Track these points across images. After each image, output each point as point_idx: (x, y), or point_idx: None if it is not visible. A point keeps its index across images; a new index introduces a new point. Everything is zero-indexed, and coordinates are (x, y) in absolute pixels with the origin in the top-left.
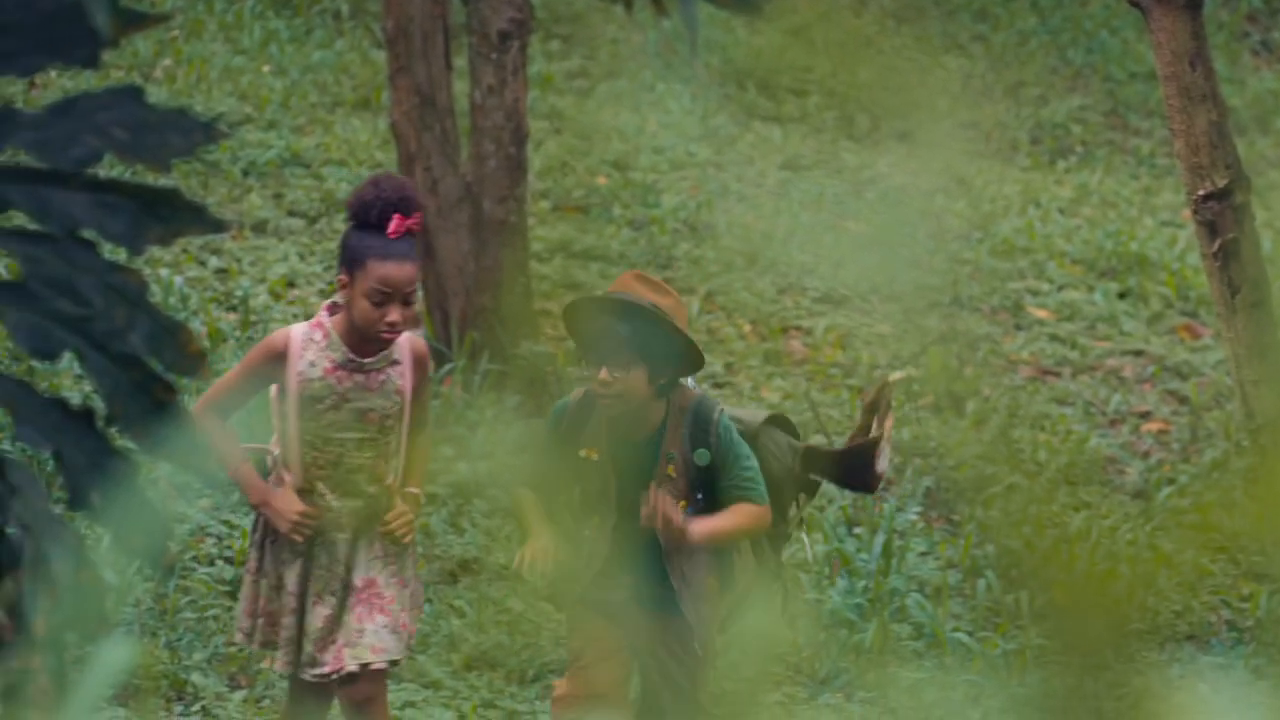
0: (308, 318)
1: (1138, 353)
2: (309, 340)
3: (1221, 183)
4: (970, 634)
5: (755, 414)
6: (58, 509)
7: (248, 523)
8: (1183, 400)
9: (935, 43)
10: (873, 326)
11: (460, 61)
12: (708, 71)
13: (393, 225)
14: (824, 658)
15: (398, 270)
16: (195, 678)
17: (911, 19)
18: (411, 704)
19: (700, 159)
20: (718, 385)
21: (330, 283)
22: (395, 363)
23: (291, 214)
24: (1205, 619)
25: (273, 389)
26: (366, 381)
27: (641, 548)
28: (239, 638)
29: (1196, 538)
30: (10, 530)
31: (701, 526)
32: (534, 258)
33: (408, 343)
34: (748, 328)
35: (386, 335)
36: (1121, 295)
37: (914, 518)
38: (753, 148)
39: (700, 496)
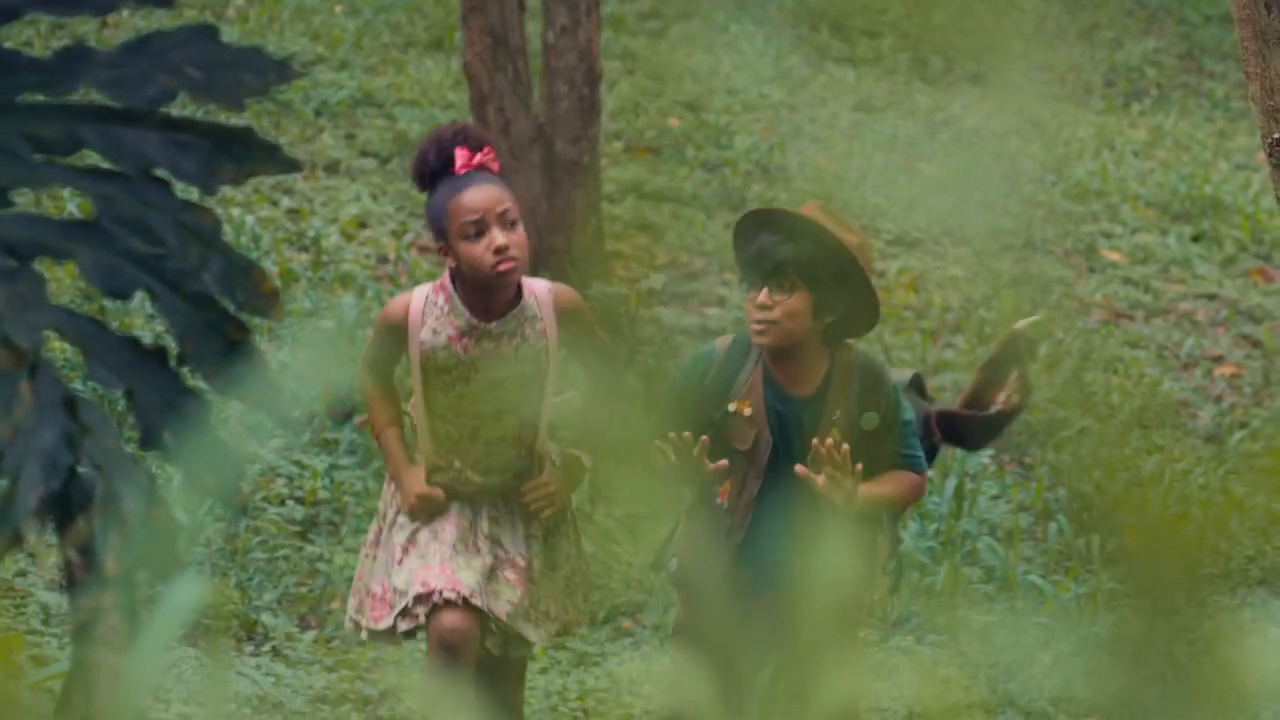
0: (380, 259)
1: (1211, 296)
2: (430, 305)
3: None
4: (1042, 577)
5: (900, 372)
6: (129, 448)
7: (319, 463)
8: (1256, 344)
9: None
10: (946, 269)
11: (534, 2)
12: (781, 12)
13: (459, 160)
14: (896, 601)
15: (475, 194)
16: (265, 618)
17: None
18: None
19: (773, 100)
20: None
21: (402, 223)
22: (533, 319)
23: (364, 154)
24: (1278, 563)
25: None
26: (498, 347)
27: (786, 517)
28: (347, 625)
29: (1269, 482)
30: (82, 469)
31: (866, 490)
32: (606, 199)
33: (548, 294)
34: None
35: (502, 267)
36: (1195, 239)
37: (986, 461)
38: (826, 89)
39: (858, 466)
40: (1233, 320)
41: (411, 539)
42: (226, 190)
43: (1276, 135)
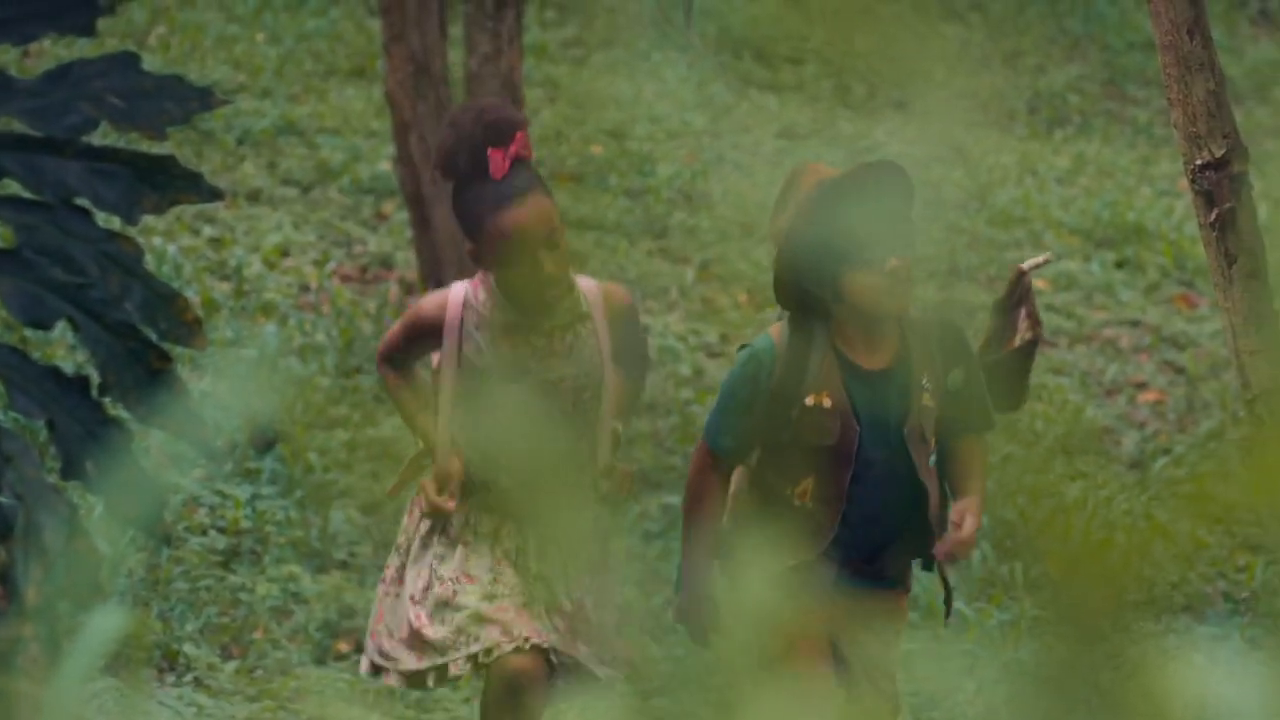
0: (303, 288)
1: (1134, 323)
2: (470, 303)
3: (1219, 152)
4: (965, 604)
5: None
6: (51, 478)
7: (241, 492)
8: (1179, 370)
9: (932, 11)
10: None
11: (456, 30)
12: (703, 40)
13: (492, 166)
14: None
15: (522, 213)
16: (187, 648)
17: None
18: None
19: (696, 128)
20: (712, 355)
21: (324, 251)
22: (584, 318)
23: (285, 183)
24: (1201, 590)
25: (433, 357)
26: (550, 345)
27: (881, 509)
28: (364, 668)
29: (1192, 508)
30: (3, 499)
31: (977, 499)
32: None
33: (598, 293)
34: (743, 297)
35: (550, 294)
36: (1118, 265)
37: None
38: (749, 116)
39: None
40: (1156, 347)
41: (464, 573)
42: (148, 219)
43: (1199, 161)
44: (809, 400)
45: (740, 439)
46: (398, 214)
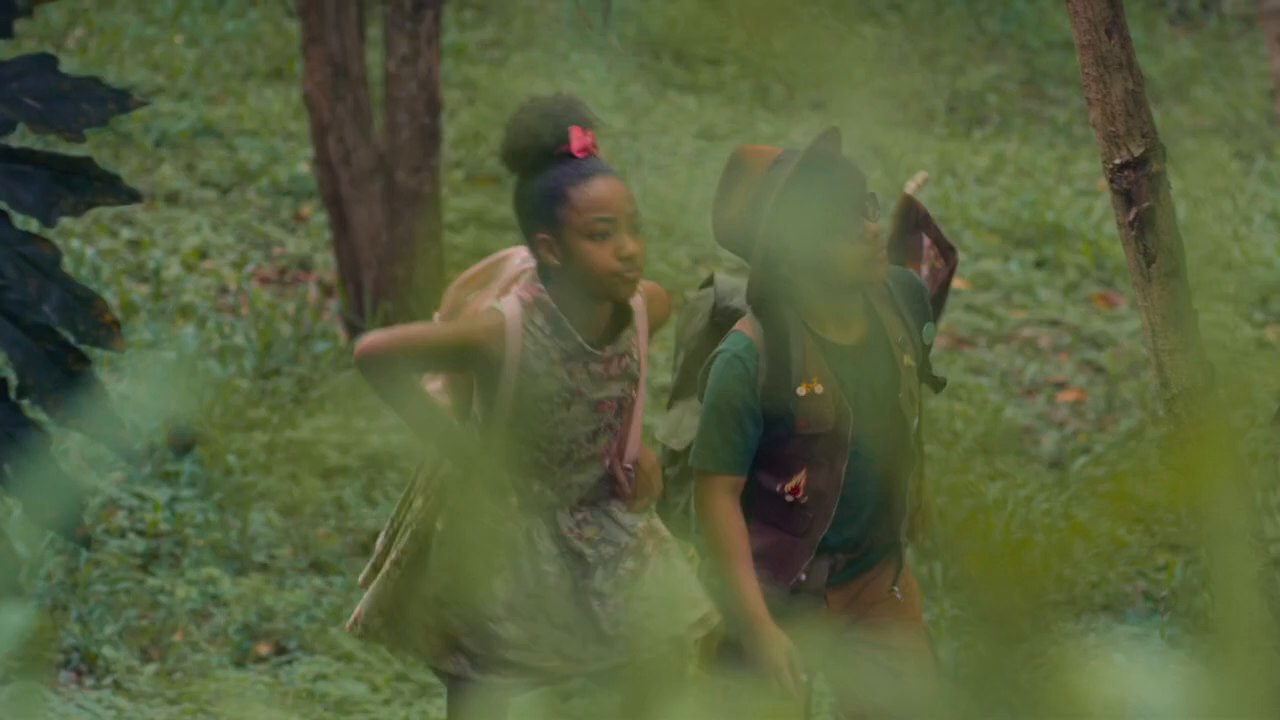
0: (221, 290)
1: (1053, 322)
2: (529, 326)
3: (1137, 151)
4: None
5: None
6: None
7: (160, 495)
8: (1098, 370)
9: (851, 11)
10: None
11: (374, 31)
12: (622, 41)
13: (575, 142)
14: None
15: (606, 187)
16: (106, 651)
17: None
18: (323, 676)
19: (615, 129)
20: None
21: (242, 254)
22: (631, 329)
23: (204, 185)
24: (1121, 589)
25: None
26: (605, 371)
27: (872, 486)
28: (355, 630)
29: (1112, 508)
30: None
31: None
32: (448, 228)
33: (638, 296)
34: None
35: (629, 275)
36: (1038, 264)
37: None
38: (668, 117)
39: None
40: (1075, 346)
41: (516, 599)
42: (66, 221)
43: (1118, 161)
44: (800, 390)
45: (742, 450)
46: (316, 216)
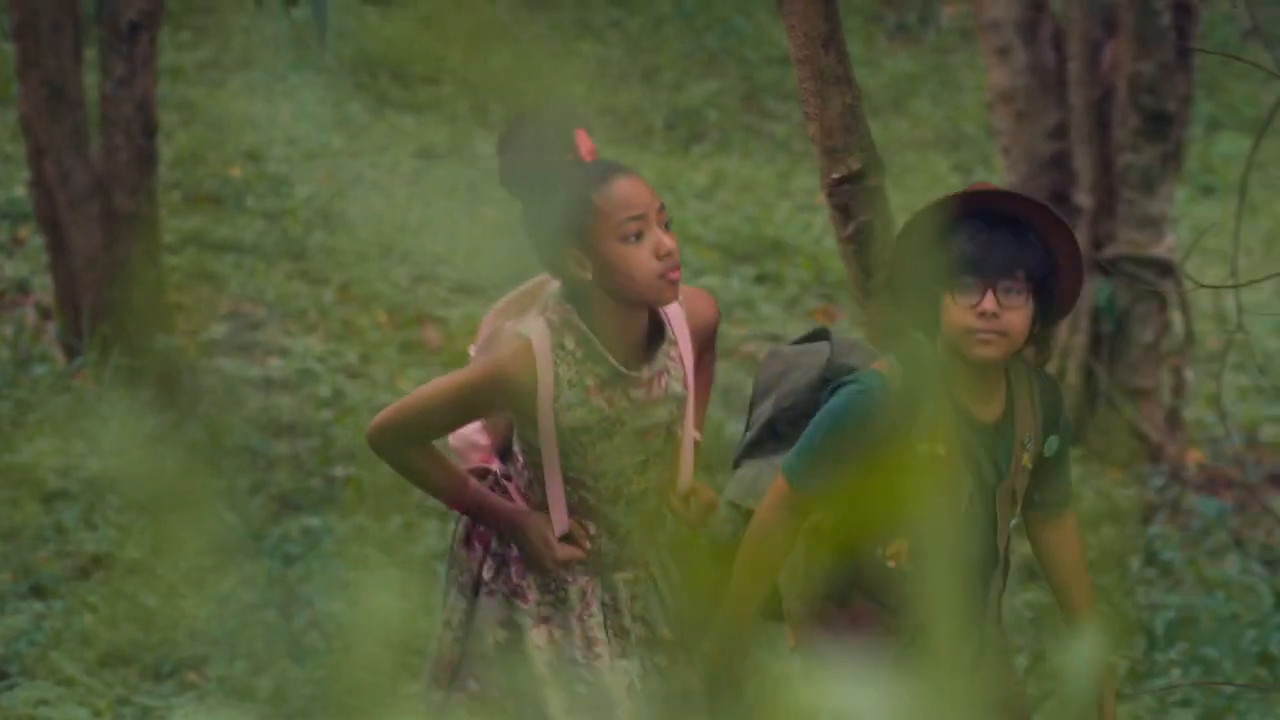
0: None
1: (774, 337)
2: (560, 353)
3: (855, 166)
4: None
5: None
6: None
7: None
8: None
9: (570, 29)
10: None
11: (91, 53)
12: (340, 61)
13: (583, 146)
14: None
15: (630, 186)
16: None
17: (546, 5)
18: (45, 701)
19: (334, 148)
20: (352, 376)
21: None
22: (671, 343)
23: None
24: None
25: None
26: (647, 395)
27: (982, 570)
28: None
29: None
30: None
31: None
32: (166, 250)
33: (677, 305)
34: (383, 317)
35: (672, 275)
36: (758, 279)
37: None
38: (386, 136)
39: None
40: None
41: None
42: None
43: (836, 176)
44: (923, 447)
45: (829, 481)
46: (34, 239)
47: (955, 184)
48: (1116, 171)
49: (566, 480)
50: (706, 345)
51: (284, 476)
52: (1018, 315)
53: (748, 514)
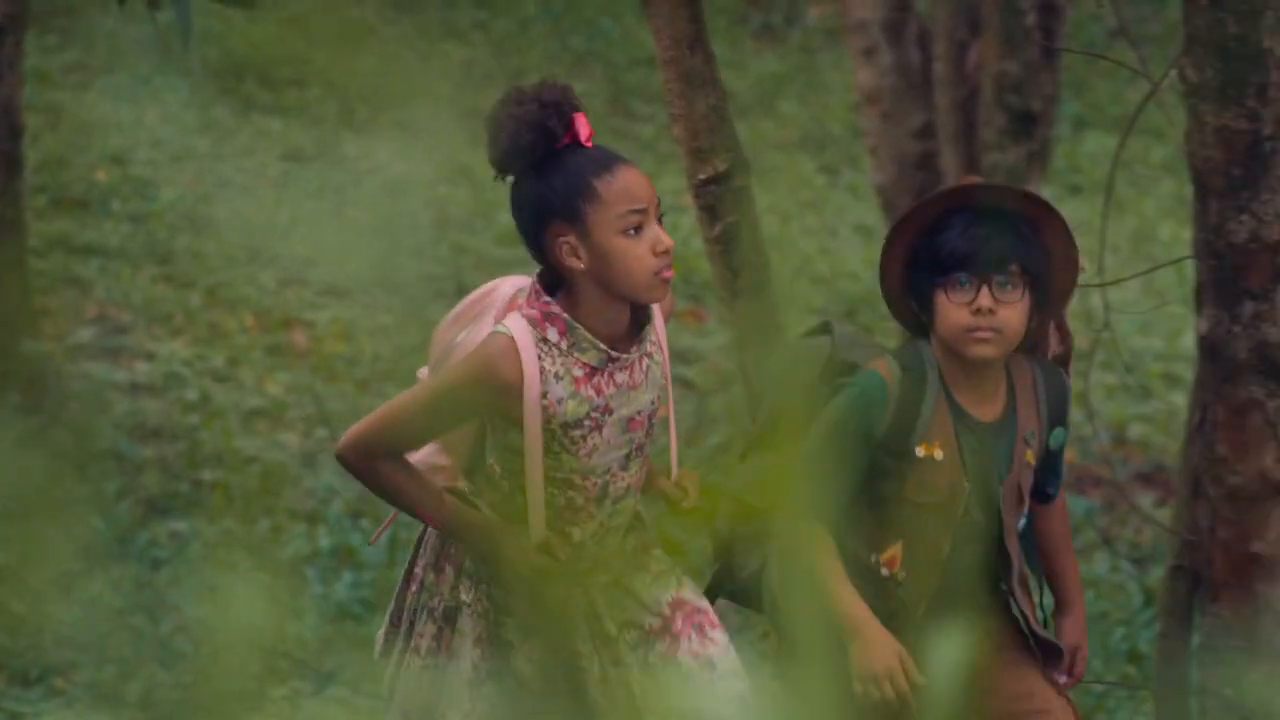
0: None
1: None
2: (543, 345)
3: (721, 167)
4: None
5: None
6: None
7: None
8: (687, 385)
9: (435, 31)
10: (376, 318)
11: None
12: (205, 64)
13: (583, 130)
14: (330, 652)
15: (635, 176)
16: None
17: (412, 7)
18: None
19: (200, 152)
20: (219, 380)
21: None
22: (653, 330)
23: None
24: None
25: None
26: (631, 378)
27: (965, 576)
28: None
29: (695, 520)
30: None
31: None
32: (32, 254)
33: None
34: (251, 321)
35: (666, 274)
36: None
37: None
38: (253, 139)
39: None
40: None
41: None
42: None
43: (703, 176)
44: (919, 451)
45: (836, 493)
46: None
47: (821, 185)
48: (983, 171)
49: (553, 483)
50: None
51: (151, 481)
52: (1014, 310)
53: (748, 508)
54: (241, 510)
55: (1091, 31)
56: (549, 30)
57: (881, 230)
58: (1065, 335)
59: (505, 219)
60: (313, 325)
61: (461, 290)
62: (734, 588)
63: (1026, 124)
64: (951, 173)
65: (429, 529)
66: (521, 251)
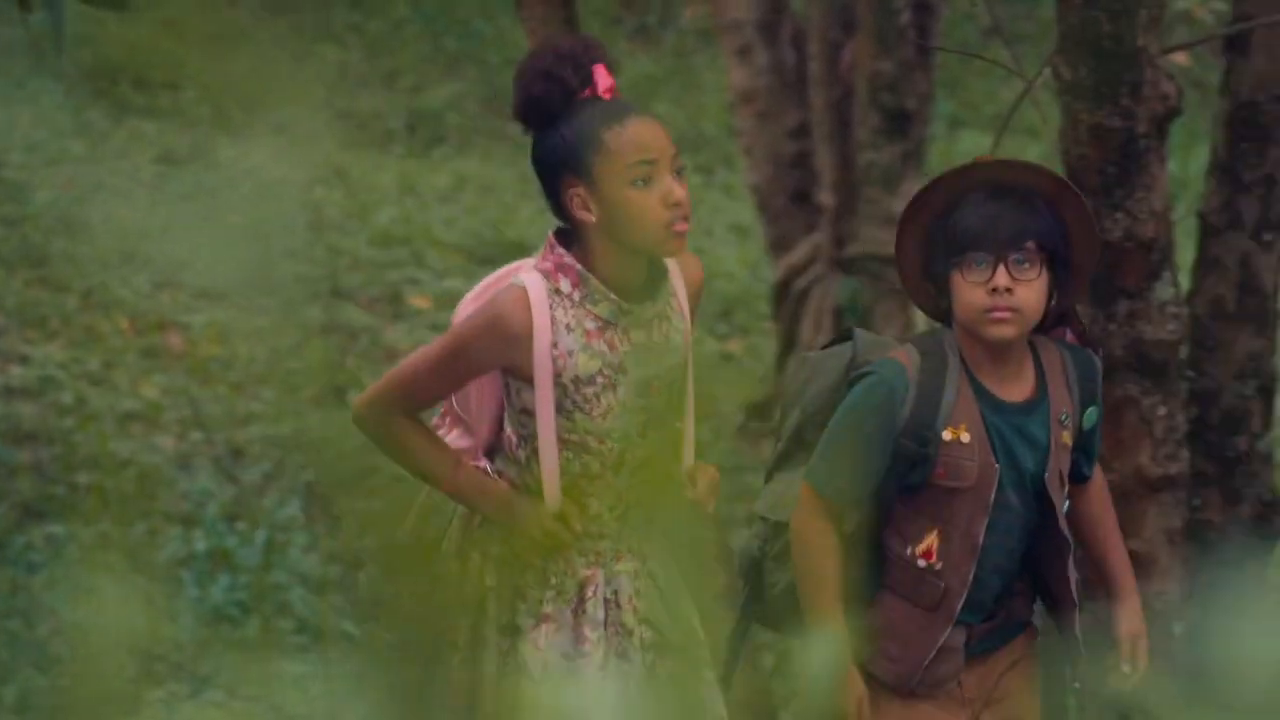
0: None
1: None
2: (555, 296)
3: None
4: (355, 626)
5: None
6: None
7: None
8: None
9: (310, 32)
10: (251, 320)
11: None
12: (78, 67)
13: (601, 82)
14: (207, 655)
15: (645, 128)
16: None
17: (286, 9)
18: None
19: (74, 155)
20: (95, 383)
21: None
22: (671, 294)
23: None
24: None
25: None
26: (648, 335)
27: (1007, 560)
28: None
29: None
30: None
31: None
32: None
33: (674, 261)
34: (126, 324)
35: (678, 226)
36: None
37: (296, 513)
38: (127, 142)
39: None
40: None
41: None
42: None
43: None
44: (946, 434)
45: (859, 481)
46: None
47: (697, 185)
48: (858, 170)
49: (568, 445)
50: (693, 310)
51: (26, 485)
52: (1031, 289)
53: (776, 526)
54: (117, 513)
55: (966, 30)
56: (423, 31)
57: (756, 230)
58: (1082, 336)
59: (380, 220)
60: (188, 328)
61: (337, 292)
62: (763, 610)
63: (901, 123)
64: (826, 172)
65: (453, 521)
66: (394, 253)
